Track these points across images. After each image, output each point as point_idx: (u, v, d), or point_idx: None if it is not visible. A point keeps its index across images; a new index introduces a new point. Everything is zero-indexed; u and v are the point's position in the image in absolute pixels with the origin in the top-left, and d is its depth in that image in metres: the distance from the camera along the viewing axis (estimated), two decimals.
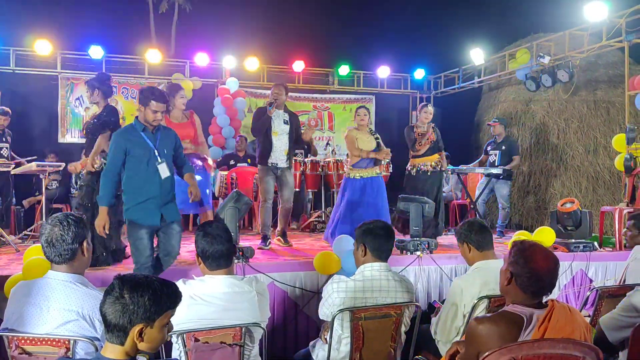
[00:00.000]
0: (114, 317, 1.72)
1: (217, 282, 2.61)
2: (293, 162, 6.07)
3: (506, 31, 10.47)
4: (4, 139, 6.75)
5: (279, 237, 5.89)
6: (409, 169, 6.28)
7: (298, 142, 5.96)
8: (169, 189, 3.93)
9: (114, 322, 1.72)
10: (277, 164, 5.67)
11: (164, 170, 3.84)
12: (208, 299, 2.56)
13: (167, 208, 3.89)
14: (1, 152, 6.66)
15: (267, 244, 5.65)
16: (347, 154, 6.36)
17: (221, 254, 2.62)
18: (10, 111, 6.90)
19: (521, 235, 5.41)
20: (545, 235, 5.39)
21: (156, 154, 3.81)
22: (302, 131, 5.90)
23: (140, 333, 1.73)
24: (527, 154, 8.95)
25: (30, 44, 8.69)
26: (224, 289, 2.59)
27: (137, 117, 3.86)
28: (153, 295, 1.74)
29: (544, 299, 2.20)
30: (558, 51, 8.21)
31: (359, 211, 5.72)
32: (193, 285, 2.62)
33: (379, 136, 6.01)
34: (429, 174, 6.15)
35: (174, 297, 1.82)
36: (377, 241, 2.96)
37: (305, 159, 7.82)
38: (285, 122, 5.70)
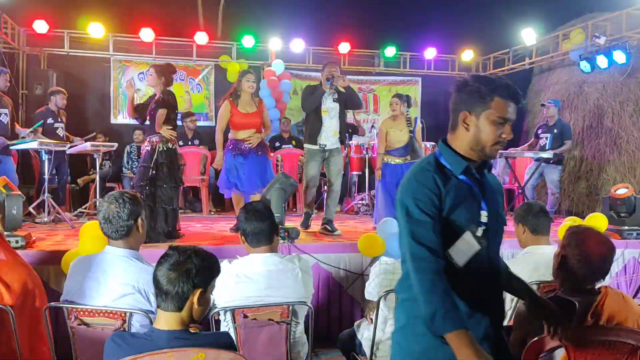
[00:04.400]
0: (176, 283, 1.80)
1: (260, 260, 2.66)
2: (343, 145, 5.73)
3: (560, 10, 10.07)
4: (59, 119, 6.99)
5: (325, 225, 5.47)
6: None
7: (349, 107, 5.63)
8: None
9: (176, 288, 1.80)
10: (325, 145, 5.44)
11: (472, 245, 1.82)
12: (252, 277, 2.61)
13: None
14: (57, 132, 6.90)
15: (308, 225, 5.56)
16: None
17: (260, 230, 2.67)
18: (66, 92, 7.14)
19: (572, 220, 5.28)
20: (597, 222, 5.24)
21: (484, 217, 1.85)
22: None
23: (199, 297, 1.83)
24: (579, 137, 8.66)
25: (83, 26, 8.93)
26: (268, 267, 2.64)
27: (440, 148, 2.01)
28: (209, 262, 1.88)
29: (597, 286, 2.16)
30: (614, 31, 7.88)
31: (393, 197, 5.69)
32: (238, 264, 2.68)
33: (412, 128, 5.82)
34: None
35: (219, 264, 1.97)
36: None
37: (350, 142, 7.81)
38: (335, 100, 5.41)
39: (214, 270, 1.92)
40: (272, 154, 7.52)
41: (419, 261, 1.70)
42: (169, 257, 1.84)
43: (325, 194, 5.76)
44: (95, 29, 8.81)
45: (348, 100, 5.44)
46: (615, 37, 7.75)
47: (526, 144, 7.63)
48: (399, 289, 1.91)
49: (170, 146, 4.91)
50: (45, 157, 5.95)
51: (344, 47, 9.97)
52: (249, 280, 2.60)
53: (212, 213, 7.76)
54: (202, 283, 1.84)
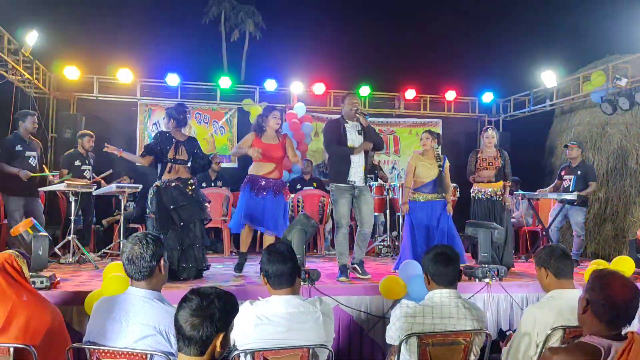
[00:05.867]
0: (200, 328, 1.78)
1: (281, 302, 2.65)
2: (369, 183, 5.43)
3: (580, 53, 10.15)
4: (87, 162, 7.15)
5: (355, 266, 5.25)
6: (473, 194, 6.10)
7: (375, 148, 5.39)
8: None
9: (200, 334, 1.78)
10: (355, 182, 5.12)
11: None
12: (273, 319, 2.60)
13: None
14: (84, 173, 7.04)
15: (347, 275, 5.10)
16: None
17: (282, 272, 2.66)
18: (93, 134, 7.33)
19: (597, 264, 5.18)
20: (624, 265, 5.13)
21: None
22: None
23: (222, 340, 1.82)
24: (603, 179, 8.57)
25: (111, 72, 9.26)
26: (289, 309, 2.63)
27: None
28: (231, 304, 1.88)
29: (624, 331, 2.11)
30: (635, 73, 7.88)
31: (425, 235, 5.58)
32: (259, 305, 2.67)
33: (442, 163, 5.72)
34: (494, 200, 5.96)
35: (237, 303, 1.96)
36: (434, 267, 2.91)
37: (372, 183, 7.82)
38: (359, 132, 5.17)
39: (235, 311, 1.92)
40: (292, 195, 7.58)
41: None
42: (190, 302, 1.82)
43: (356, 235, 5.35)
44: (124, 75, 9.13)
45: (370, 140, 5.24)
46: (636, 78, 7.74)
47: (550, 186, 7.55)
48: None
49: (172, 184, 5.05)
50: (72, 198, 6.08)
51: (365, 90, 10.13)
52: (270, 322, 2.59)
53: (234, 254, 7.76)
54: (225, 326, 1.83)
